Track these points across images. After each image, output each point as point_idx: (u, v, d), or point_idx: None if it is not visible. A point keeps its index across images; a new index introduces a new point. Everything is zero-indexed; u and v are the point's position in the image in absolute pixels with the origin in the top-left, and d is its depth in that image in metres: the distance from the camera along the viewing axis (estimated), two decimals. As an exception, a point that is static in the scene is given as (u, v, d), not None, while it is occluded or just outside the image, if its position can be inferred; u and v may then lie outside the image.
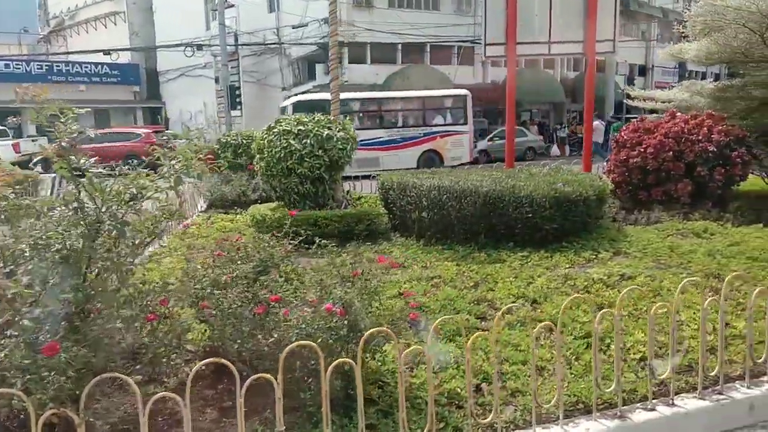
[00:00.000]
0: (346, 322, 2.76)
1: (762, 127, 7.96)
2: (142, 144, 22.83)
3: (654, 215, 7.07)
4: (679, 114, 7.65)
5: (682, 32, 7.88)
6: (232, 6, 27.74)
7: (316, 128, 6.83)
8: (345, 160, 7.06)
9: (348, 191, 7.75)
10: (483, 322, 4.29)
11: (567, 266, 5.42)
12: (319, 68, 25.84)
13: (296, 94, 27.45)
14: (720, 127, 7.18)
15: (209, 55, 28.52)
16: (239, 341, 2.75)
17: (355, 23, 25.24)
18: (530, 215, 6.04)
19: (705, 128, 7.17)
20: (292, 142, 6.68)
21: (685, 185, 7.11)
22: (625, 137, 7.62)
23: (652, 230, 6.59)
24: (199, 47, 26.98)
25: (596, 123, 22.04)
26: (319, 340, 2.63)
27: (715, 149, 7.03)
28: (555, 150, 23.33)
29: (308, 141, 6.74)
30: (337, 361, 2.39)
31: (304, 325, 2.67)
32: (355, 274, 3.02)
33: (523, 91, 28.88)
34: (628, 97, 9.58)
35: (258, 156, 7.05)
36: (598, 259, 5.63)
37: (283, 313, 2.76)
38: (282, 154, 6.74)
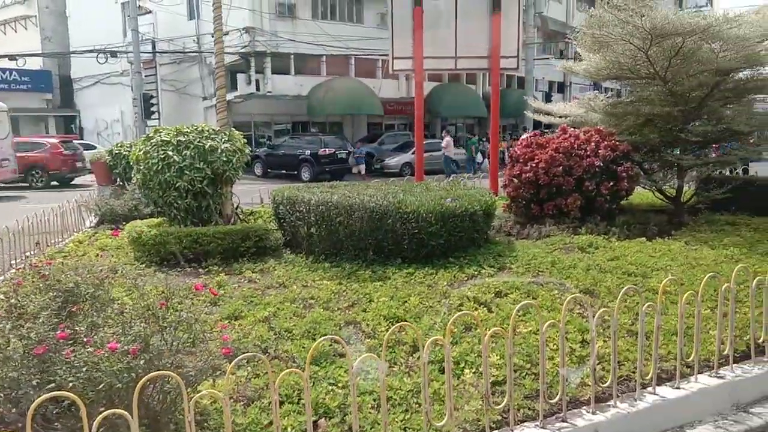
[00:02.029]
0: (142, 362, 2.42)
1: (650, 142, 8.21)
2: (47, 155, 21.44)
3: (545, 229, 7.10)
4: (570, 129, 7.78)
5: (575, 46, 8.04)
6: (149, 12, 26.76)
7: (198, 139, 6.44)
8: (231, 173, 6.68)
9: (238, 206, 7.36)
10: (347, 347, 4.04)
11: (447, 283, 5.27)
12: (240, 78, 25.23)
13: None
14: (607, 143, 7.32)
15: (126, 62, 27.33)
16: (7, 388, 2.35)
17: (278, 33, 24.86)
18: (416, 231, 5.90)
19: (593, 143, 7.30)
20: (171, 153, 6.26)
21: (574, 199, 7.19)
22: (518, 152, 7.66)
23: (541, 245, 6.60)
24: (114, 54, 25.77)
25: (448, 138, 22.72)
26: (101, 385, 2.29)
27: (601, 164, 7.15)
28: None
29: (188, 152, 6.34)
30: (105, 412, 2.04)
31: (85, 368, 2.31)
32: (162, 305, 2.68)
33: (446, 106, 29.52)
34: (515, 112, 9.67)
35: (135, 168, 6.56)
36: (481, 275, 5.53)
37: (65, 354, 2.39)
38: (159, 166, 6.30)
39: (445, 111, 30.01)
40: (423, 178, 11.23)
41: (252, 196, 10.59)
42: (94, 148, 24.40)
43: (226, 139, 6.65)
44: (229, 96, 26.34)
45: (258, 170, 24.53)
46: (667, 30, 6.49)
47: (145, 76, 27.59)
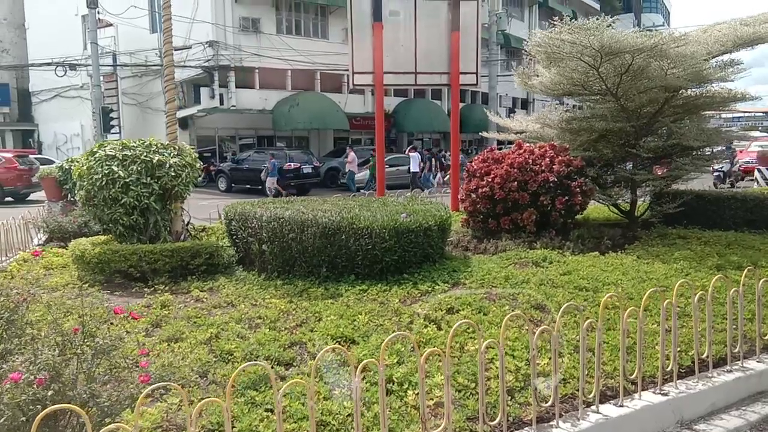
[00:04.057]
0: (50, 392, 2.25)
1: (604, 157, 8.33)
2: (1, 169, 20.69)
3: (502, 244, 7.09)
4: (526, 144, 7.83)
5: (529, 61, 8.14)
6: (110, 26, 26.28)
7: (145, 153, 6.24)
8: (180, 189, 6.49)
9: (188, 222, 7.16)
10: (290, 369, 3.91)
11: (399, 300, 5.18)
12: (204, 92, 24.93)
13: (180, 118, 26.34)
14: (561, 158, 7.38)
15: (86, 75, 26.73)
16: None
17: (242, 48, 24.68)
18: (370, 247, 5.80)
19: (547, 159, 7.35)
20: (115, 168, 6.05)
21: (529, 214, 7.21)
22: (474, 167, 7.67)
23: (496, 259, 6.57)
24: (73, 67, 25.18)
25: (352, 154, 22.85)
26: (2, 419, 2.12)
27: (556, 179, 7.20)
28: (438, 178, 23.72)
29: (135, 167, 6.13)
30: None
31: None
32: (76, 330, 2.52)
33: (412, 121, 29.73)
34: (480, 127, 9.73)
35: (78, 183, 6.32)
36: (434, 291, 5.45)
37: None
38: (104, 182, 6.08)
39: (410, 126, 30.22)
40: (384, 192, 11.17)
41: (210, 212, 10.37)
42: (52, 162, 23.70)
43: (176, 153, 6.47)
44: (193, 110, 26.01)
45: (222, 185, 24.19)
46: (616, 48, 6.61)
47: (106, 89, 27.03)
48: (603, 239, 7.27)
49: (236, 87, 25.04)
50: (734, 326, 4.01)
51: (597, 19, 6.75)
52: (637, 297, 4.99)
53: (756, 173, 16.12)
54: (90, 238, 6.93)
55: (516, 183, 7.22)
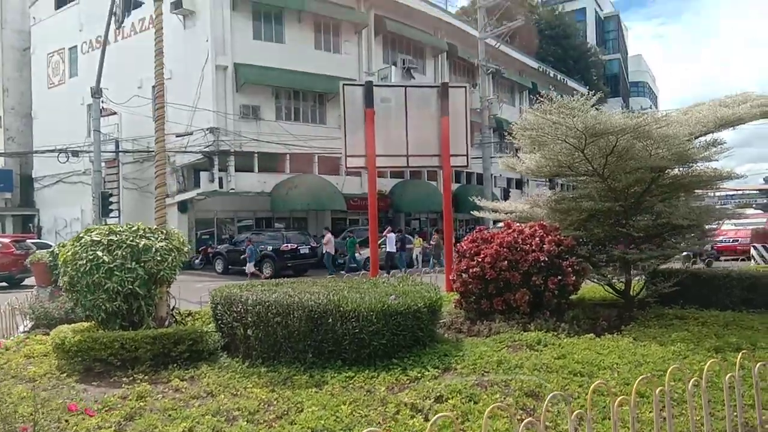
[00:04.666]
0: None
1: (596, 237, 8.30)
2: (-4, 255, 20.70)
3: (495, 325, 6.91)
4: (515, 224, 7.83)
5: (515, 144, 8.28)
6: (114, 114, 27.17)
7: (132, 238, 6.22)
8: (166, 273, 6.41)
9: (174, 307, 7.02)
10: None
11: (386, 388, 4.96)
12: (203, 176, 25.35)
13: (179, 202, 26.64)
14: (551, 237, 7.36)
15: (89, 161, 27.32)
16: None
17: (242, 133, 25.36)
18: (357, 330, 5.65)
19: (537, 238, 7.32)
20: (100, 254, 5.99)
21: (522, 294, 7.08)
22: (464, 247, 7.63)
23: (489, 342, 6.37)
24: (75, 153, 25.76)
25: (329, 236, 22.95)
26: None
27: (546, 259, 7.13)
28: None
29: (120, 252, 6.08)
30: None
31: None
32: (24, 429, 2.37)
33: (408, 201, 30.05)
34: (476, 207, 9.81)
35: (62, 269, 6.24)
36: (424, 378, 5.24)
37: None
38: (88, 267, 6.01)
39: (407, 206, 30.51)
40: (377, 273, 11.06)
41: (201, 295, 10.21)
42: (50, 247, 23.73)
43: (163, 237, 6.44)
44: (192, 194, 26.35)
45: (219, 267, 24.09)
46: (599, 129, 6.74)
47: (108, 174, 27.54)
48: (598, 320, 7.10)
49: (235, 171, 25.50)
50: (734, 413, 3.80)
51: (582, 96, 6.94)
52: (633, 382, 4.77)
53: (752, 251, 16.09)
54: (72, 324, 6.76)
55: (506, 262, 7.14)
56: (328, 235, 23.20)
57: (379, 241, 22.60)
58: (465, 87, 11.53)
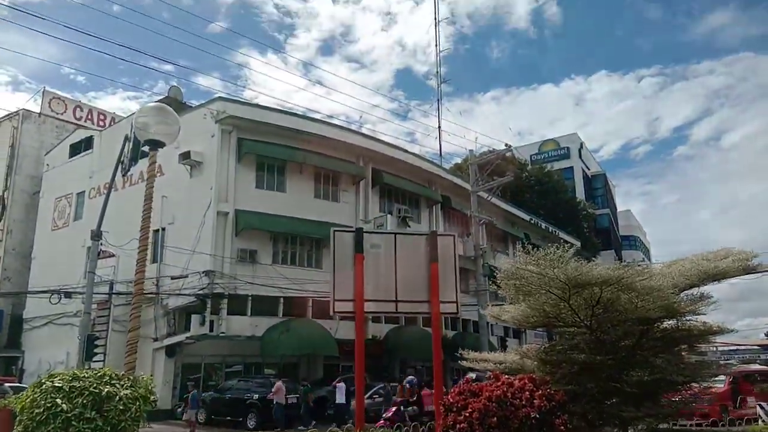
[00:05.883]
0: None
1: (589, 392, 7.89)
2: (-31, 399, 19.68)
3: (484, 491, 6.31)
4: (504, 377, 7.49)
5: (499, 293, 8.20)
6: (113, 256, 27.46)
7: (95, 385, 5.92)
8: (127, 425, 6.00)
9: (135, 464, 6.47)
10: None
11: None
12: (194, 319, 24.92)
13: (167, 345, 25.83)
14: (541, 392, 7.00)
15: (81, 302, 27.00)
16: None
17: (238, 276, 25.40)
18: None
19: (527, 392, 6.97)
20: (59, 401, 5.67)
21: (512, 456, 6.56)
22: (451, 400, 7.23)
23: None
24: (68, 294, 25.60)
25: (278, 384, 21.19)
26: None
27: (537, 415, 6.72)
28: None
29: (80, 400, 5.75)
30: None
31: None
32: None
33: (404, 347, 29.19)
34: (462, 358, 9.49)
35: (18, 418, 5.86)
36: None
37: None
38: (44, 416, 5.64)
39: (401, 352, 29.65)
40: (363, 424, 10.39)
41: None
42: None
43: (129, 384, 6.13)
44: (181, 337, 25.68)
45: (201, 417, 22.69)
46: (582, 280, 6.73)
47: (99, 316, 27.01)
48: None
49: (228, 314, 25.15)
50: None
51: (557, 247, 7.00)
52: None
53: (758, 410, 15.27)
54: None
55: (496, 419, 6.72)
56: (278, 384, 21.35)
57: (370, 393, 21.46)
58: (453, 235, 11.72)
